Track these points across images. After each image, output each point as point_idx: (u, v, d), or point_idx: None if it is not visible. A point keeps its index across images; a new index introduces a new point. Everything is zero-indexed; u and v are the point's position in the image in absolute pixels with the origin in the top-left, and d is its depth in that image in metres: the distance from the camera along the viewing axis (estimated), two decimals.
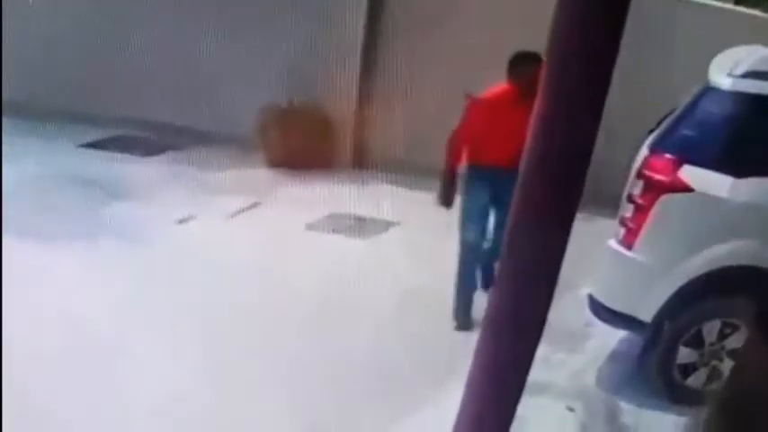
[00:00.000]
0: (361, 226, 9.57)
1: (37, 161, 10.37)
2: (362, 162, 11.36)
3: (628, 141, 7.06)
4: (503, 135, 6.69)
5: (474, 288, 7.32)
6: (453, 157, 7.47)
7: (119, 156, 11.52)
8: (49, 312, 6.99)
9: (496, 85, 7.32)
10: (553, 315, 5.04)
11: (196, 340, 6.88)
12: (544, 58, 3.81)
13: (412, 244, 8.96)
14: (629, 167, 6.66)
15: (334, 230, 9.44)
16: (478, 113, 7.31)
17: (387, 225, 9.56)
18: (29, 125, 11.09)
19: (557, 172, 4.41)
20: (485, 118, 7.18)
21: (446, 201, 7.51)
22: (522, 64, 6.91)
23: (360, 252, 8.93)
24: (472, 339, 4.97)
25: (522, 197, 4.47)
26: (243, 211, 9.84)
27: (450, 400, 5.24)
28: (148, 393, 6.17)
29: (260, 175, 11.00)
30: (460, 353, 5.47)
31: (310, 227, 9.45)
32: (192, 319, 7.20)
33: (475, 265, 7.35)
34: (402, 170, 10.71)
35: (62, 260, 7.99)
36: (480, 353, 5.05)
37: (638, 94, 8.74)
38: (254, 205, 10.00)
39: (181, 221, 9.44)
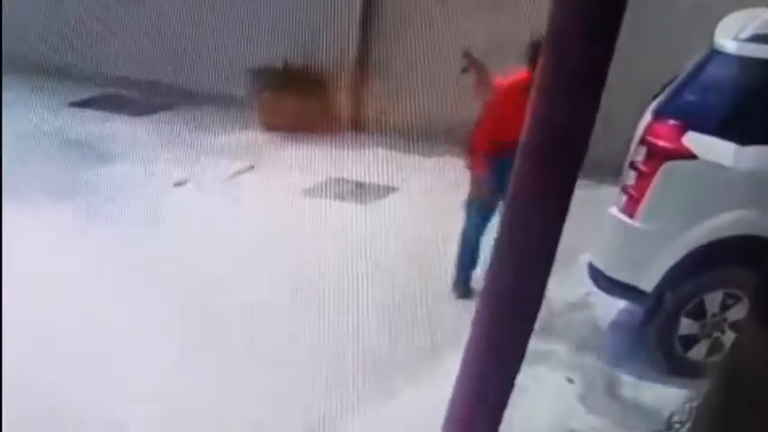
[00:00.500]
0: (360, 191, 9.57)
1: (26, 120, 10.34)
2: (360, 125, 11.35)
3: (630, 109, 7.05)
4: (517, 121, 6.57)
5: (473, 267, 7.29)
6: (478, 161, 7.24)
7: (109, 115, 11.52)
8: (37, 276, 7.00)
9: (512, 71, 7.13)
10: (553, 284, 5.10)
11: (193, 303, 6.93)
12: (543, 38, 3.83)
13: (412, 209, 8.99)
14: (628, 144, 6.65)
15: (332, 195, 9.45)
16: (499, 108, 7.14)
17: (386, 190, 9.57)
18: (17, 82, 11.05)
19: (554, 154, 4.46)
20: (504, 108, 6.99)
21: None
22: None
23: (359, 218, 8.93)
24: (471, 305, 5.03)
25: (520, 178, 4.53)
26: (239, 174, 9.86)
27: (449, 366, 5.33)
28: (138, 356, 6.24)
29: (255, 137, 11.00)
30: (460, 318, 5.54)
31: (308, 192, 9.45)
32: (191, 282, 7.24)
33: (477, 244, 7.30)
34: (400, 134, 10.72)
35: (54, 222, 8.01)
36: (478, 327, 5.11)
37: (640, 59, 8.71)
38: (250, 169, 10.00)
39: (177, 184, 9.45)
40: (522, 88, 6.65)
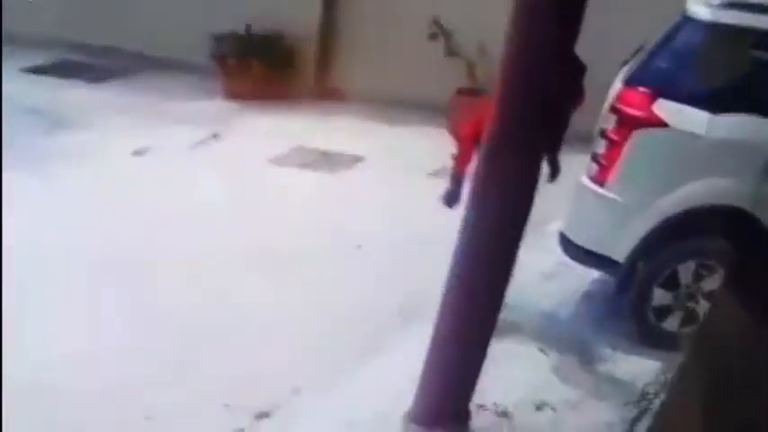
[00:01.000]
0: (326, 160, 9.55)
1: None
2: (325, 93, 11.31)
3: (600, 76, 7.05)
4: None
5: None
6: (467, 154, 6.51)
7: (65, 82, 11.42)
8: None
9: None
10: (524, 253, 5.14)
11: (156, 272, 6.91)
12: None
13: (380, 179, 8.99)
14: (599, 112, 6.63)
15: (299, 165, 9.41)
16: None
17: (353, 160, 9.55)
18: None
19: (526, 126, 4.61)
20: None
21: (451, 201, 6.68)
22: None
23: (327, 187, 8.93)
24: (442, 276, 5.06)
25: (490, 151, 4.66)
26: (202, 143, 9.79)
27: (419, 337, 5.36)
28: (93, 324, 6.20)
29: (217, 105, 10.96)
30: (428, 290, 5.55)
31: (274, 161, 9.42)
32: (154, 252, 7.21)
33: None
34: (366, 102, 10.68)
35: (11, 190, 7.90)
36: (449, 300, 5.17)
37: (612, 25, 8.71)
38: (214, 137, 9.94)
39: (137, 153, 9.37)
40: None
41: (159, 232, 7.58)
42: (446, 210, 6.56)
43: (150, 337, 6.15)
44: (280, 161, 9.43)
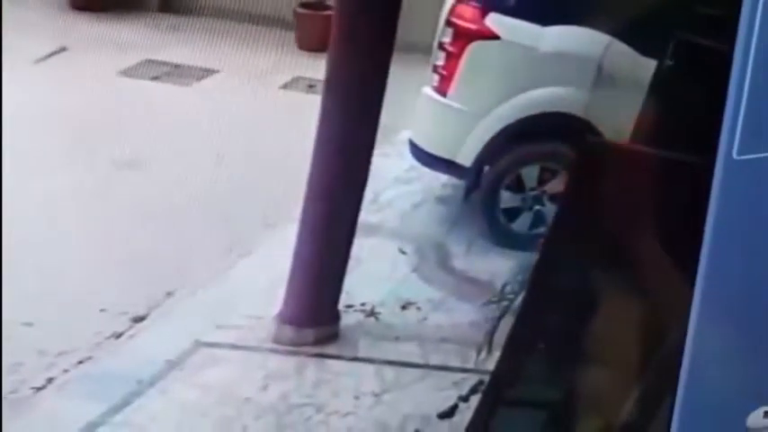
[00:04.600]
0: (179, 72, 9.25)
1: None
2: (169, 6, 10.93)
3: None
4: None
5: None
6: None
7: None
8: None
9: None
10: (378, 159, 5.19)
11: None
12: None
13: (233, 92, 8.75)
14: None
15: (150, 77, 9.11)
16: None
17: (205, 72, 9.27)
18: None
19: (366, 37, 4.79)
20: None
21: None
22: None
23: (181, 99, 8.69)
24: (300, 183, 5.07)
25: (335, 64, 4.81)
26: (49, 56, 9.35)
27: (283, 239, 5.36)
28: None
29: (62, 16, 10.41)
30: (293, 195, 5.58)
31: (124, 73, 9.07)
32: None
33: None
34: (212, 16, 10.39)
35: None
36: (310, 202, 5.24)
37: None
38: (61, 50, 9.50)
39: None
40: None
41: (15, 145, 7.26)
42: (301, 120, 6.53)
43: (23, 248, 5.92)
44: (130, 73, 9.09)
